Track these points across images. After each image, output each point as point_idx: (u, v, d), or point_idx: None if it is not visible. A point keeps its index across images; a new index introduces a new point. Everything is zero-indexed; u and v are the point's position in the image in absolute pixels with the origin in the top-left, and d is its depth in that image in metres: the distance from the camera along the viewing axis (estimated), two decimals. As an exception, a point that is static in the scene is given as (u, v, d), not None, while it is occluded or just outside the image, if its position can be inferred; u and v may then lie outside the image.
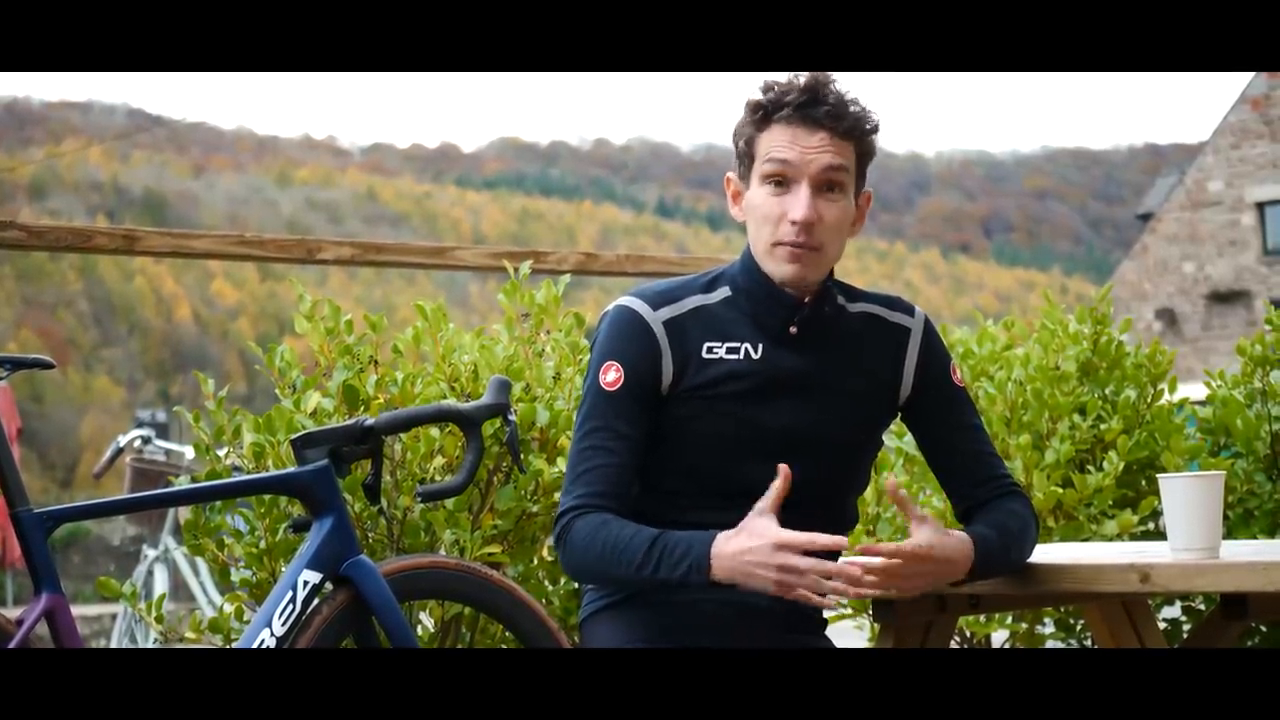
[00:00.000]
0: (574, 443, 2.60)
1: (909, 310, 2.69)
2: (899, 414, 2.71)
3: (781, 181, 2.53)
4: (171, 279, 61.05)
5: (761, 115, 2.54)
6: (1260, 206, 30.47)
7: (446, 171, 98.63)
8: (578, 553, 2.52)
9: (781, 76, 2.56)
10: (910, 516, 2.46)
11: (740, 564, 2.37)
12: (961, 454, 2.68)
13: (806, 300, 2.58)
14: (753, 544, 2.37)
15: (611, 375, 2.57)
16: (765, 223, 2.55)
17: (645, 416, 2.57)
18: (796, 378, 2.58)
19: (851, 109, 2.53)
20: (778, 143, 2.52)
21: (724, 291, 2.62)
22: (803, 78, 2.54)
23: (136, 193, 71.22)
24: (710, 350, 2.57)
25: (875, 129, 2.57)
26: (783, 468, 2.41)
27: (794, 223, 2.51)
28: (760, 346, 2.58)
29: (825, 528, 2.66)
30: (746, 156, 2.58)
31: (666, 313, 2.58)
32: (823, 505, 2.64)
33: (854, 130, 2.54)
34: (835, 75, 2.55)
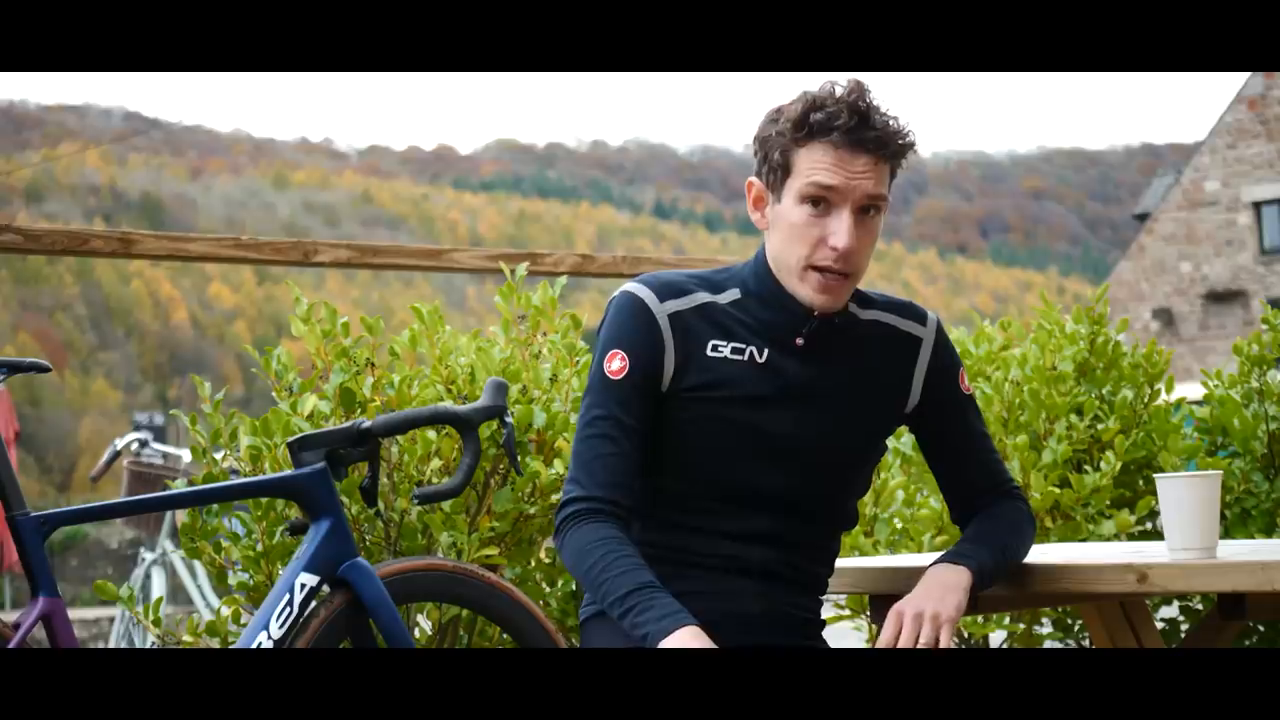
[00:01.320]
0: (579, 428, 2.56)
1: (921, 318, 2.66)
2: (905, 421, 2.69)
3: (821, 202, 2.48)
4: (169, 282, 61.08)
5: (806, 132, 2.46)
6: (1257, 206, 30.50)
7: (443, 174, 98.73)
8: (570, 554, 2.51)
9: (816, 84, 2.48)
10: None
11: (683, 643, 2.32)
12: (965, 461, 2.67)
13: (817, 313, 2.54)
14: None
15: (616, 364, 2.53)
16: (800, 242, 2.49)
17: (647, 409, 2.54)
18: (801, 386, 2.55)
19: (894, 131, 2.47)
20: (821, 164, 2.46)
21: (733, 293, 2.58)
22: (843, 90, 2.46)
23: (133, 196, 71.27)
24: (715, 349, 2.54)
25: (912, 147, 2.51)
26: None
27: (834, 249, 2.47)
28: (766, 352, 2.55)
29: (825, 530, 2.66)
30: (781, 169, 2.50)
31: (673, 305, 2.55)
32: (823, 510, 2.63)
33: (898, 154, 2.50)
34: (871, 85, 2.48)
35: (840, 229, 2.46)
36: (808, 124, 2.46)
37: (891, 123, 2.47)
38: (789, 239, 2.51)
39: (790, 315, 2.54)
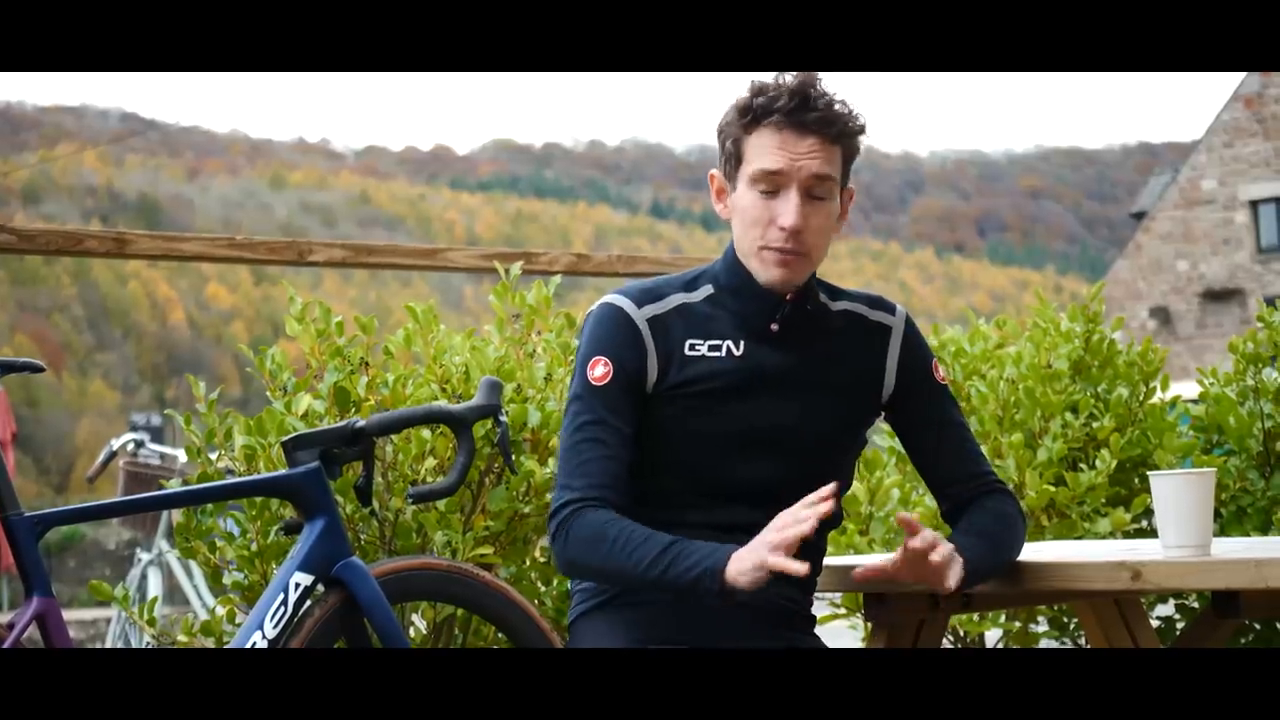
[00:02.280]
0: (565, 439, 2.58)
1: (890, 309, 2.71)
2: (882, 413, 2.72)
3: (770, 185, 2.53)
4: (165, 283, 61.08)
5: (750, 119, 2.53)
6: (1253, 205, 30.53)
7: (440, 174, 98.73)
8: (578, 545, 2.50)
9: (769, 77, 2.56)
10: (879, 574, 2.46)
11: (744, 560, 2.35)
12: (944, 451, 2.69)
13: (789, 297, 2.59)
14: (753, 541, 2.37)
15: (600, 370, 2.57)
16: (753, 225, 2.56)
17: (634, 411, 2.57)
18: (778, 375, 2.60)
19: (840, 113, 2.53)
20: (766, 148, 2.52)
21: (706, 289, 2.63)
22: (790, 78, 2.53)
23: (131, 197, 71.26)
24: (693, 348, 2.58)
25: (862, 130, 2.57)
26: (831, 487, 2.36)
27: (783, 229, 2.52)
28: (742, 344, 2.59)
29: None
30: (734, 157, 2.57)
31: (650, 310, 2.60)
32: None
33: (843, 135, 2.55)
34: (822, 75, 2.54)
35: (787, 209, 2.52)
36: (751, 110, 2.53)
37: (837, 105, 2.52)
38: (744, 224, 2.57)
39: (762, 302, 2.59)
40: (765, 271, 2.57)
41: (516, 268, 3.59)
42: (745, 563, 2.35)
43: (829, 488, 2.35)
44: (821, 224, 2.55)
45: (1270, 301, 4.01)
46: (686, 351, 2.58)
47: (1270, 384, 3.91)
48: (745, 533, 2.57)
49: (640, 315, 2.59)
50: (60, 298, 56.97)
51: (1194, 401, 4.09)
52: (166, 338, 59.86)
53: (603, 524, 2.48)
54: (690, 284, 2.64)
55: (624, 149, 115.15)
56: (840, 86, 2.54)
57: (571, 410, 2.59)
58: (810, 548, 2.67)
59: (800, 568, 2.30)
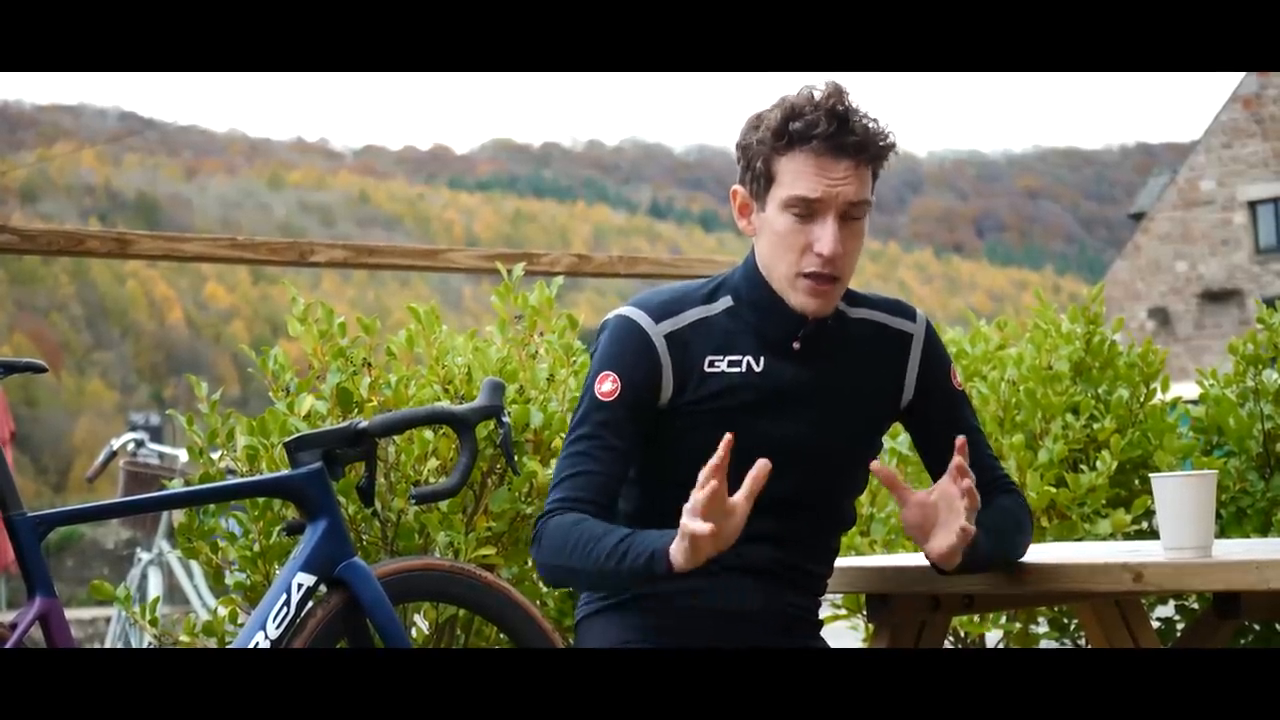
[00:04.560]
0: (564, 447, 2.59)
1: (910, 315, 2.68)
2: (899, 417, 2.70)
3: (805, 210, 2.50)
4: (164, 282, 61.06)
5: (785, 141, 2.48)
6: (1252, 205, 30.53)
7: (439, 173, 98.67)
8: (548, 550, 2.50)
9: (793, 87, 2.50)
10: (903, 496, 2.46)
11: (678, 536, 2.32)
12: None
13: (810, 318, 2.56)
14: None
15: (608, 385, 2.55)
16: (788, 251, 2.52)
17: (637, 429, 2.56)
18: (797, 391, 2.58)
19: (875, 135, 2.49)
20: (803, 173, 2.47)
21: (726, 301, 2.60)
22: (820, 94, 2.47)
23: (129, 196, 71.24)
24: (712, 364, 2.56)
25: (893, 147, 2.52)
26: (761, 463, 2.30)
27: (820, 255, 2.49)
28: (762, 359, 2.57)
29: (824, 530, 2.68)
30: (764, 177, 2.52)
31: (668, 326, 2.57)
32: (822, 509, 2.64)
33: (879, 156, 2.51)
34: (850, 88, 2.48)
35: (825, 235, 2.48)
36: (787, 133, 2.47)
37: (871, 125, 2.49)
38: (776, 247, 2.53)
39: (784, 320, 2.56)
40: (799, 299, 2.53)
41: (519, 269, 3.59)
42: (677, 536, 2.31)
43: (761, 465, 2.29)
44: (856, 247, 2.53)
45: (1269, 302, 4.02)
46: (706, 368, 2.56)
47: (1270, 385, 3.92)
48: (763, 543, 2.57)
49: (657, 331, 2.56)
50: (58, 297, 56.97)
51: (1194, 403, 4.09)
52: (165, 337, 59.85)
53: (568, 526, 2.48)
54: (709, 296, 2.60)
55: (623, 149, 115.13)
56: (865, 104, 2.50)
57: (574, 419, 2.59)
58: (823, 549, 2.68)
59: (701, 528, 2.24)
